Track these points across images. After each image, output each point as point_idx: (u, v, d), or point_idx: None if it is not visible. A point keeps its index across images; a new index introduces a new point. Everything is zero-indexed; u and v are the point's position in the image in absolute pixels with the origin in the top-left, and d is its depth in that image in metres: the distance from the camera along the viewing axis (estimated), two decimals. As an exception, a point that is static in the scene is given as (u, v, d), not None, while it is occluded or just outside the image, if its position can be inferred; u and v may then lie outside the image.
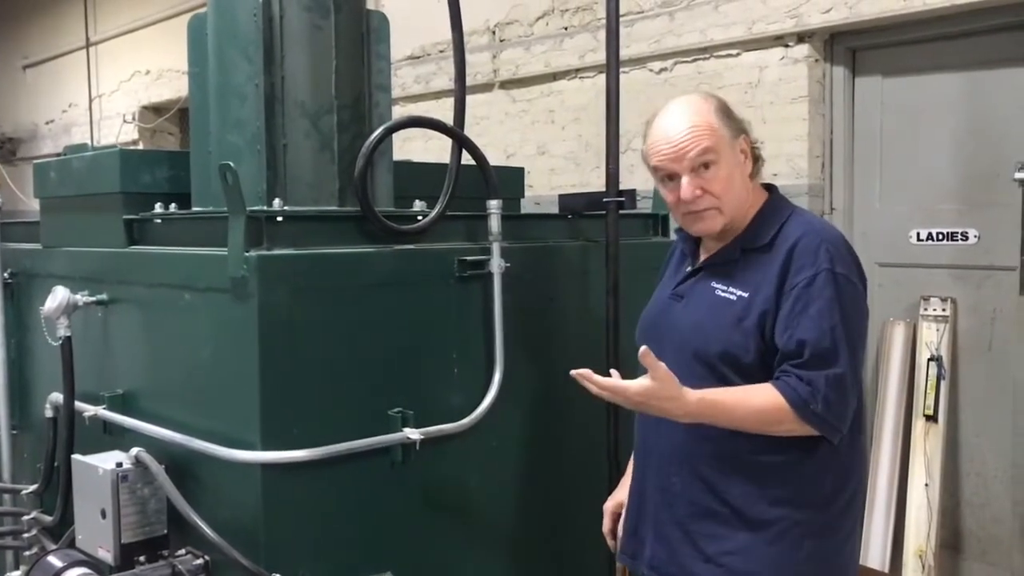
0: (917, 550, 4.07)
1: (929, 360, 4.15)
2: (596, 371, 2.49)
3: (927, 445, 4.14)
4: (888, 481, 4.24)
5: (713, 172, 2.06)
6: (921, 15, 4.05)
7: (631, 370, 2.25)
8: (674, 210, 2.17)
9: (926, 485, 4.11)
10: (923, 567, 4.05)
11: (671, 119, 2.09)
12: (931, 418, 4.14)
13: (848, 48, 4.47)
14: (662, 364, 1.90)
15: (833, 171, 4.53)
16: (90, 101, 10.03)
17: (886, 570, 4.10)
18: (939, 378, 4.13)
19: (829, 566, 2.09)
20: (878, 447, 4.27)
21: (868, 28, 4.30)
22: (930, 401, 4.14)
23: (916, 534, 4.09)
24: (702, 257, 2.22)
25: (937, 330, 4.17)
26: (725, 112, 2.10)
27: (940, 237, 4.22)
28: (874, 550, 4.17)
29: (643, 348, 1.92)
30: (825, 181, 4.51)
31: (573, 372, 1.99)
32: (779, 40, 4.46)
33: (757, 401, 1.97)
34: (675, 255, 2.35)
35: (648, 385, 1.91)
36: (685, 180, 2.06)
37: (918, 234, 4.29)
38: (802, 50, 4.40)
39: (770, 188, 2.22)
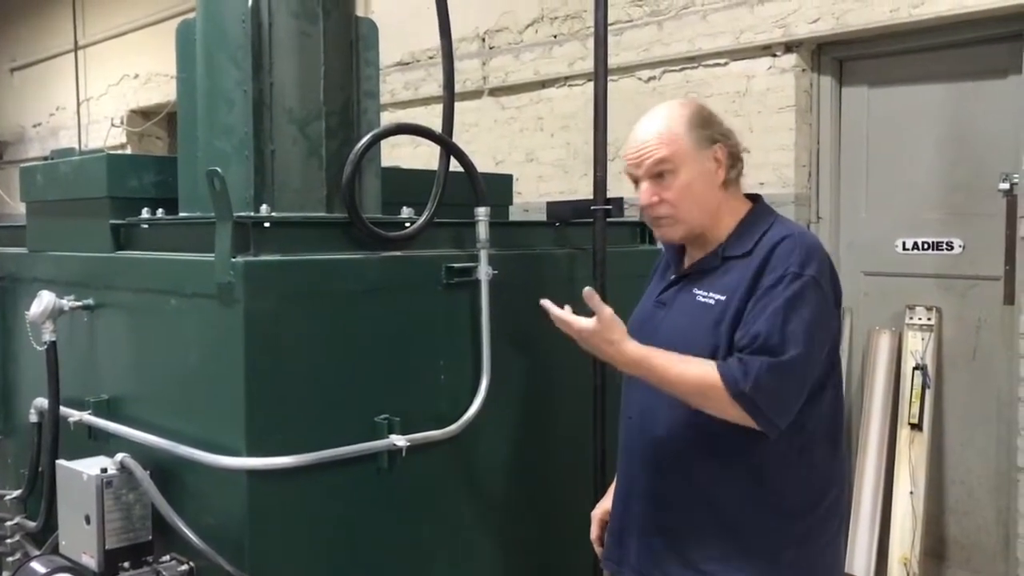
0: (902, 558, 4.09)
1: (914, 369, 4.18)
2: (582, 381, 2.52)
3: (912, 453, 4.17)
4: (873, 489, 4.26)
5: (669, 181, 2.10)
6: (908, 26, 4.08)
7: (616, 376, 2.26)
8: (643, 214, 2.22)
9: (911, 493, 4.13)
10: (908, 574, 4.07)
11: (640, 125, 2.16)
12: (916, 426, 4.16)
13: (835, 58, 4.50)
14: (607, 308, 2.05)
15: (820, 180, 4.56)
16: (78, 105, 10.00)
17: (871, 578, 4.11)
18: (924, 387, 4.16)
19: (811, 573, 2.10)
20: (863, 455, 4.30)
21: (855, 39, 4.34)
22: (915, 410, 4.17)
23: (901, 542, 4.11)
24: (686, 265, 2.24)
25: (922, 339, 4.20)
26: (699, 121, 2.12)
27: (925, 246, 4.25)
28: (859, 558, 4.19)
29: (587, 289, 2.07)
30: (811, 190, 4.54)
31: (543, 301, 2.18)
32: (767, 50, 4.49)
33: (693, 369, 1.99)
34: (661, 263, 2.37)
35: (593, 324, 2.06)
36: (644, 186, 2.14)
37: (903, 243, 4.32)
38: (789, 60, 4.43)
39: (755, 198, 2.23)
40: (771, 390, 1.95)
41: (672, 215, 2.13)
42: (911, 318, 4.25)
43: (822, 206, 4.56)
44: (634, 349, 2.04)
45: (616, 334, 2.05)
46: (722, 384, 1.96)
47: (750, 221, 2.16)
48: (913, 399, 4.17)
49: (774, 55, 4.47)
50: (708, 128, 2.12)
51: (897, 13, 4.03)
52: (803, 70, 4.45)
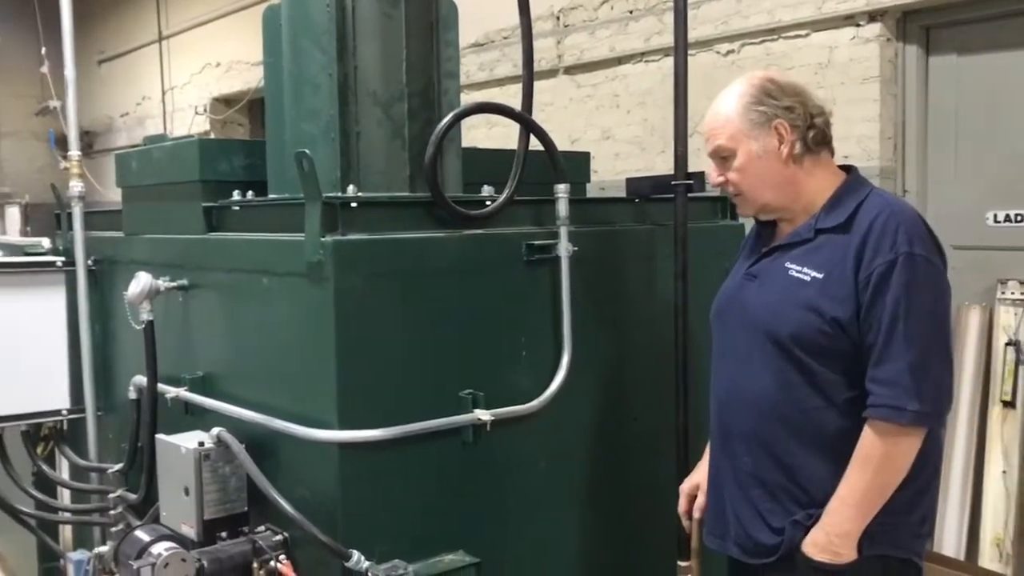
0: (995, 539, 3.99)
1: (1006, 345, 4.06)
2: (664, 356, 2.52)
3: (1004, 432, 4.05)
4: (963, 468, 4.16)
5: (729, 163, 2.17)
6: (999, -9, 3.94)
7: (699, 352, 2.26)
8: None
9: (1003, 472, 4.02)
10: (1000, 555, 3.97)
11: (712, 105, 2.20)
12: (1009, 404, 4.05)
13: (921, 26, 4.37)
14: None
15: (906, 152, 4.44)
16: (163, 94, 10.30)
17: (961, 558, 4.02)
18: (1017, 363, 4.03)
19: (896, 548, 2.08)
20: (952, 434, 4.19)
21: (943, 5, 4.20)
22: (1008, 387, 4.05)
23: (993, 522, 4.01)
24: (777, 238, 2.22)
25: (1015, 314, 4.07)
26: (756, 100, 2.12)
27: (1019, 218, 4.11)
28: (949, 538, 4.10)
29: None
30: (897, 163, 4.43)
31: None
32: (849, 19, 4.38)
33: (859, 455, 1.99)
34: (751, 237, 2.35)
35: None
36: (711, 167, 2.22)
37: (995, 216, 4.19)
38: (873, 29, 4.32)
39: (849, 169, 2.20)
40: (933, 392, 1.97)
41: (740, 193, 2.19)
42: (1003, 293, 4.13)
43: (908, 179, 4.44)
44: (835, 522, 2.02)
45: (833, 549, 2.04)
46: (888, 425, 1.96)
47: (843, 193, 2.13)
48: (1006, 376, 4.05)
49: (857, 25, 4.36)
50: (766, 105, 2.11)
51: (988, -23, 3.90)
52: (888, 39, 4.33)
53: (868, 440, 1.98)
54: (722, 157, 2.18)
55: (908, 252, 1.97)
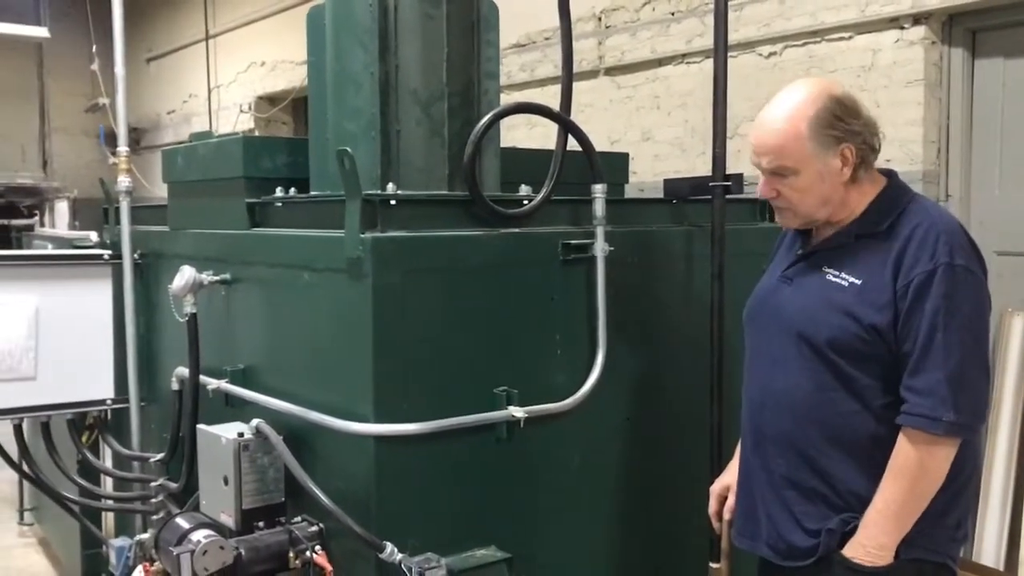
0: (1034, 549, 3.92)
1: (1050, 353, 3.99)
2: (698, 356, 2.51)
3: (1047, 441, 3.99)
4: (1004, 476, 4.10)
5: (791, 181, 2.09)
6: (1048, -7, 3.88)
7: (733, 354, 2.26)
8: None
9: (1045, 482, 3.95)
10: (1040, 566, 3.90)
11: (765, 113, 2.10)
12: (1051, 413, 3.98)
13: (968, 29, 4.31)
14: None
15: (950, 157, 4.38)
16: (209, 92, 10.45)
17: (1001, 568, 3.96)
18: (1061, 372, 3.96)
19: (933, 552, 2.06)
20: (993, 441, 4.13)
21: (990, 7, 4.14)
22: (1051, 395, 3.98)
23: (1033, 532, 3.95)
24: (814, 241, 2.21)
25: (1059, 322, 4.01)
26: (827, 120, 2.03)
27: (1064, 225, 4.04)
28: (988, 547, 4.04)
29: None
30: (941, 167, 4.37)
31: None
32: (894, 22, 4.33)
33: (895, 466, 1.99)
34: (787, 237, 2.33)
35: None
36: (762, 179, 2.13)
37: (1040, 222, 4.12)
38: (918, 32, 4.26)
39: (890, 174, 2.18)
40: (968, 404, 1.96)
41: (790, 208, 2.14)
42: (1048, 300, 4.06)
43: (952, 183, 4.38)
44: (873, 535, 2.01)
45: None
46: (923, 434, 1.95)
47: (884, 199, 2.11)
48: (1049, 384, 3.99)
49: (902, 27, 4.31)
50: (837, 128, 2.04)
51: (1037, -21, 3.84)
52: (933, 42, 4.28)
53: (903, 450, 1.98)
54: (780, 174, 2.09)
55: (948, 263, 1.96)
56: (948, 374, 1.94)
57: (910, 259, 1.98)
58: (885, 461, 2.01)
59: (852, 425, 2.05)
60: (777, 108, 2.08)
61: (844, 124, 2.04)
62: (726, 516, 2.45)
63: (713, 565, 2.63)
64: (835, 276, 2.08)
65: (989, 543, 4.05)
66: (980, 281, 2.01)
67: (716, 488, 2.49)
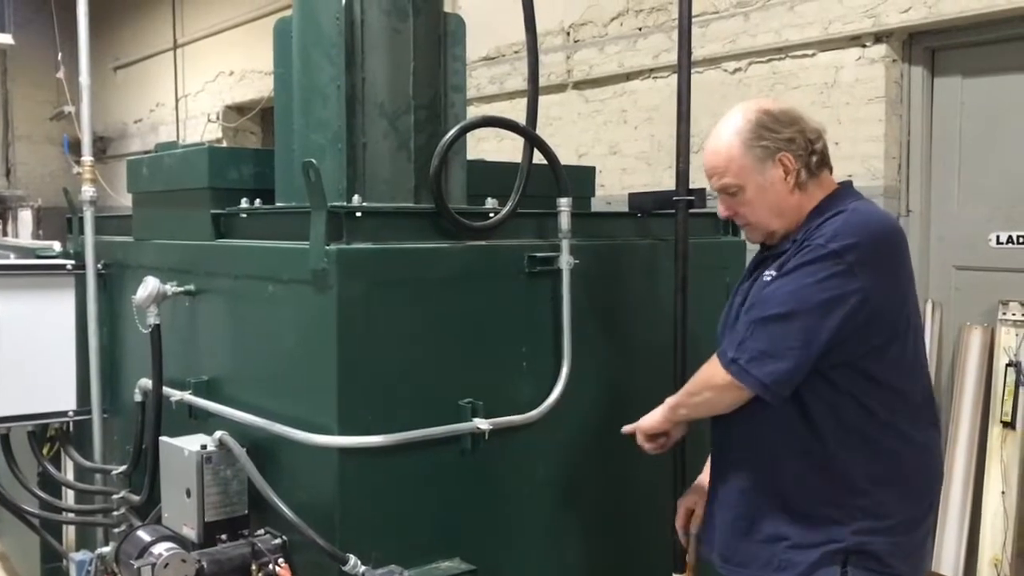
0: (992, 559, 3.99)
1: (1007, 366, 4.07)
2: (662, 369, 2.58)
3: (1004, 452, 4.06)
4: (963, 488, 4.17)
5: (740, 197, 2.19)
6: (1004, 14, 3.98)
7: (697, 366, 2.29)
8: None
9: (1003, 493, 4.03)
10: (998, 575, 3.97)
11: (711, 137, 2.21)
12: (1008, 424, 4.06)
13: (927, 48, 4.41)
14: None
15: (910, 173, 4.47)
16: (176, 101, 10.39)
17: (959, 577, 4.03)
18: (1017, 384, 4.05)
19: (881, 564, 2.09)
20: (952, 453, 4.21)
21: (948, 28, 4.24)
22: (1008, 408, 4.06)
23: (992, 542, 4.01)
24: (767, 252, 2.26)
25: (1016, 335, 4.09)
26: (756, 135, 2.12)
27: (1021, 240, 4.13)
28: (947, 557, 4.11)
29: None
30: (901, 183, 4.46)
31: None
32: (856, 40, 4.42)
33: (699, 372, 2.21)
34: (756, 257, 2.38)
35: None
36: (719, 202, 2.25)
37: (997, 237, 4.21)
38: (879, 50, 4.35)
39: (843, 184, 2.23)
40: (753, 349, 2.03)
41: (749, 224, 2.23)
42: (1004, 313, 4.14)
43: (912, 199, 4.47)
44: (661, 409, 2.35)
45: (647, 420, 2.39)
46: (717, 361, 2.09)
47: (822, 206, 2.15)
48: (1006, 397, 4.07)
49: (863, 45, 4.40)
50: (767, 139, 2.12)
51: (994, 0, 3.93)
52: (893, 60, 4.36)
53: (705, 364, 2.19)
54: (729, 193, 2.19)
55: (821, 244, 2.01)
56: (753, 319, 2.06)
57: (806, 244, 2.06)
58: (828, 466, 2.08)
59: (792, 432, 2.12)
60: (716, 131, 2.20)
61: (774, 133, 2.12)
62: (693, 530, 2.47)
63: (676, 576, 2.65)
64: (768, 276, 2.13)
65: (948, 553, 4.12)
66: (845, 270, 1.98)
67: (684, 501, 2.52)
